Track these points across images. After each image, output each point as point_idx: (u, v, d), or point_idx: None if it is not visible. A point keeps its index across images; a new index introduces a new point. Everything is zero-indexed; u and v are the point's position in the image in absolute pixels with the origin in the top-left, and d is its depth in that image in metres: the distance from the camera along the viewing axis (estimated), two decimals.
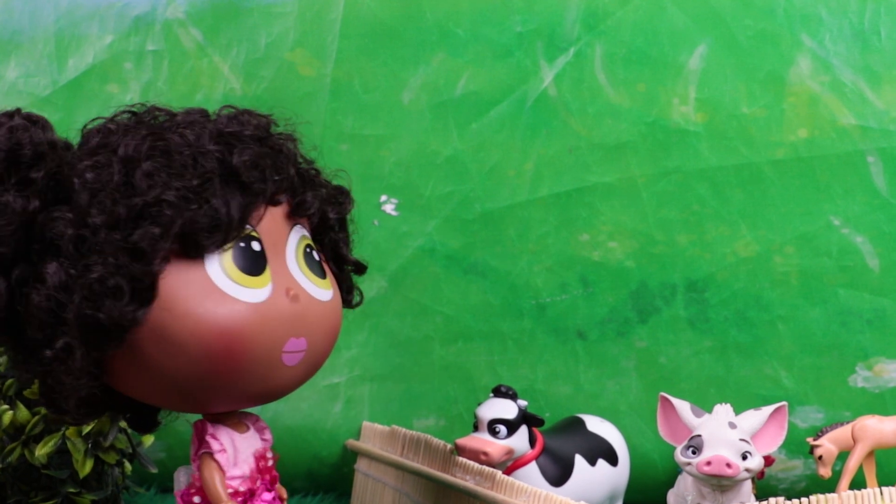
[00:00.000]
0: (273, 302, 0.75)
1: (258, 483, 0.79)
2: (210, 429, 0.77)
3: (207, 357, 0.72)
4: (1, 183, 0.70)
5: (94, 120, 0.78)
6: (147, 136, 0.74)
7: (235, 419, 0.80)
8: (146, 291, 0.70)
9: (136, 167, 0.71)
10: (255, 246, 0.75)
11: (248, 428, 0.80)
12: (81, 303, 0.69)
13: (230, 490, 0.77)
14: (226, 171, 0.74)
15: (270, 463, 0.81)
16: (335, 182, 0.87)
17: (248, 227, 0.75)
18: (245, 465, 0.78)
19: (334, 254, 0.86)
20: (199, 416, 0.80)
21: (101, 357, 0.72)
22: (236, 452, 0.78)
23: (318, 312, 0.79)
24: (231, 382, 0.74)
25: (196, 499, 0.77)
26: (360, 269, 0.89)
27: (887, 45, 1.20)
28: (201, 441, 0.77)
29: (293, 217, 0.80)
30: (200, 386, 0.74)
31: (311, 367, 0.80)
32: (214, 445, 0.77)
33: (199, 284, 0.72)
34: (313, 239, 0.82)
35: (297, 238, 0.79)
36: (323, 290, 0.80)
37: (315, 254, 0.81)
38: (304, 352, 0.77)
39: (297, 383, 0.80)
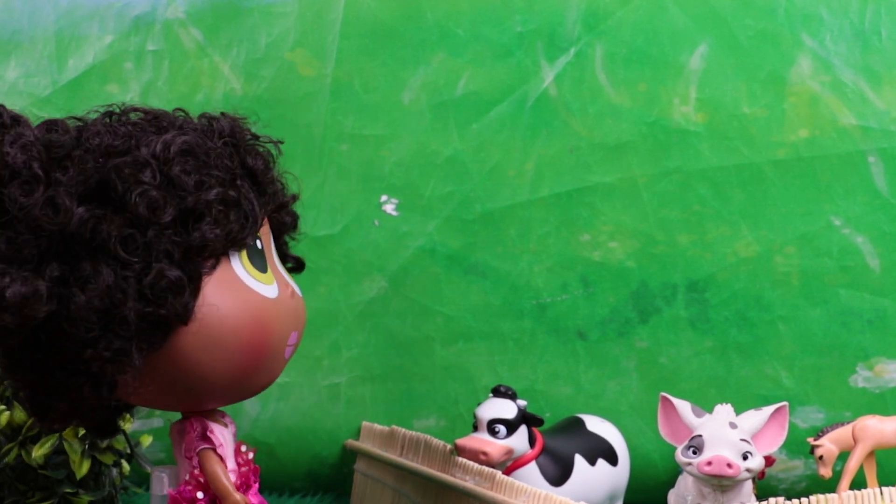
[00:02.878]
0: (282, 297, 0.78)
1: (248, 476, 0.80)
2: (208, 425, 0.78)
3: (240, 351, 0.74)
4: (47, 178, 0.69)
5: (69, 118, 0.77)
6: (167, 137, 0.74)
7: (218, 415, 0.81)
8: (198, 288, 0.72)
9: (170, 167, 0.72)
10: (259, 245, 0.78)
11: (227, 424, 0.81)
12: (139, 300, 0.70)
13: None
14: (242, 172, 0.77)
15: (250, 455, 0.81)
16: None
17: None
18: (232, 460, 0.79)
19: (280, 252, 0.87)
20: (176, 416, 0.81)
21: (148, 356, 0.72)
22: (227, 447, 0.79)
23: (303, 307, 0.83)
24: (250, 375, 0.77)
25: (199, 494, 0.77)
26: (300, 266, 0.91)
27: (888, 45, 1.19)
28: (201, 437, 0.78)
29: (267, 219, 0.82)
30: (225, 380, 0.76)
31: (289, 359, 0.83)
32: (216, 440, 0.78)
33: (231, 280, 0.75)
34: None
35: (272, 239, 0.83)
36: (298, 287, 0.84)
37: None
38: (295, 344, 0.81)
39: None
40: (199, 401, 0.78)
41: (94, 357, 0.70)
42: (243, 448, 0.81)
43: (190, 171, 0.73)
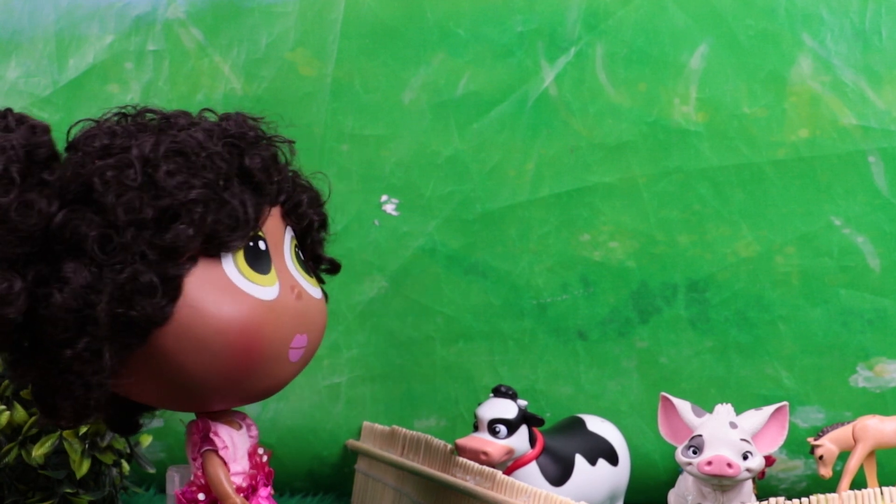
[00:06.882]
0: (282, 299, 0.77)
1: (258, 479, 0.79)
2: (213, 426, 0.78)
3: (228, 353, 0.74)
4: (23, 181, 0.70)
5: (78, 122, 0.78)
6: (161, 137, 0.74)
7: (230, 417, 0.81)
8: (175, 289, 0.72)
9: (156, 167, 0.72)
10: (262, 245, 0.78)
11: (240, 425, 0.81)
12: (112, 301, 0.70)
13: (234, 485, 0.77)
14: (238, 172, 0.76)
15: (264, 459, 0.81)
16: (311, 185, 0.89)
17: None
18: (243, 462, 0.79)
19: (313, 254, 0.88)
20: (191, 416, 0.80)
21: (125, 357, 0.72)
22: (235, 449, 0.79)
23: (315, 309, 0.82)
24: (245, 378, 0.76)
25: (200, 496, 0.78)
26: (335, 267, 0.91)
27: (888, 44, 1.19)
28: (204, 439, 0.78)
29: (286, 218, 0.82)
30: (216, 382, 0.76)
31: (306, 362, 0.82)
32: (219, 442, 0.78)
33: (219, 282, 0.74)
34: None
35: (289, 238, 0.82)
36: (315, 288, 0.83)
37: (301, 253, 0.84)
38: (305, 348, 0.80)
39: (292, 378, 0.82)
40: (199, 401, 0.78)
41: (74, 357, 0.70)
42: (260, 451, 0.82)
43: (174, 171, 0.72)
